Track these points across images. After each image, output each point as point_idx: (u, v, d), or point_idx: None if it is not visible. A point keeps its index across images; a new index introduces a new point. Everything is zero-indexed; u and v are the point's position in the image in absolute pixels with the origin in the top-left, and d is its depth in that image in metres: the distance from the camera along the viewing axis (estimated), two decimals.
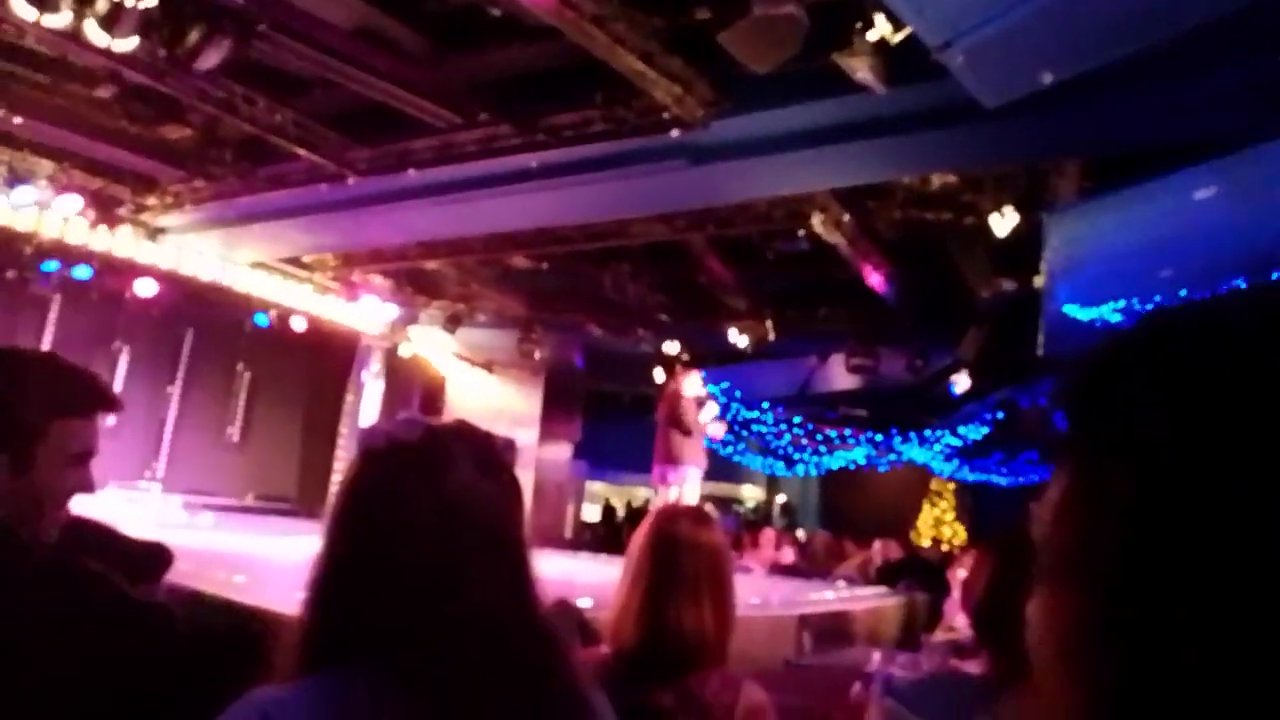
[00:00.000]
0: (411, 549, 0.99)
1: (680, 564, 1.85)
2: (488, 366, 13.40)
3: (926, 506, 16.95)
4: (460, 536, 1.01)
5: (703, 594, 1.83)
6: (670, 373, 12.40)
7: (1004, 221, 7.71)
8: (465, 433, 1.11)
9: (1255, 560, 0.36)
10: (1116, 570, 0.39)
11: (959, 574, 7.30)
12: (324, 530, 1.05)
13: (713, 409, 7.95)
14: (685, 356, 12.21)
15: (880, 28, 5.09)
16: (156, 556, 2.48)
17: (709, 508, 3.34)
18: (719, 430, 7.87)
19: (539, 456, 12.41)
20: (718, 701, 1.75)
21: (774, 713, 1.82)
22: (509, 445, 1.14)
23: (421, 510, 1.01)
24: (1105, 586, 0.40)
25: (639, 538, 1.95)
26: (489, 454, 1.09)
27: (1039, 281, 8.05)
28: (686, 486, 7.40)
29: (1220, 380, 0.39)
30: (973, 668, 1.79)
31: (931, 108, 5.76)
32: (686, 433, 7.50)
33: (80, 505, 1.98)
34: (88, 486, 1.42)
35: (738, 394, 12.94)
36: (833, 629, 5.79)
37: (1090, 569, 0.41)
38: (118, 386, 10.92)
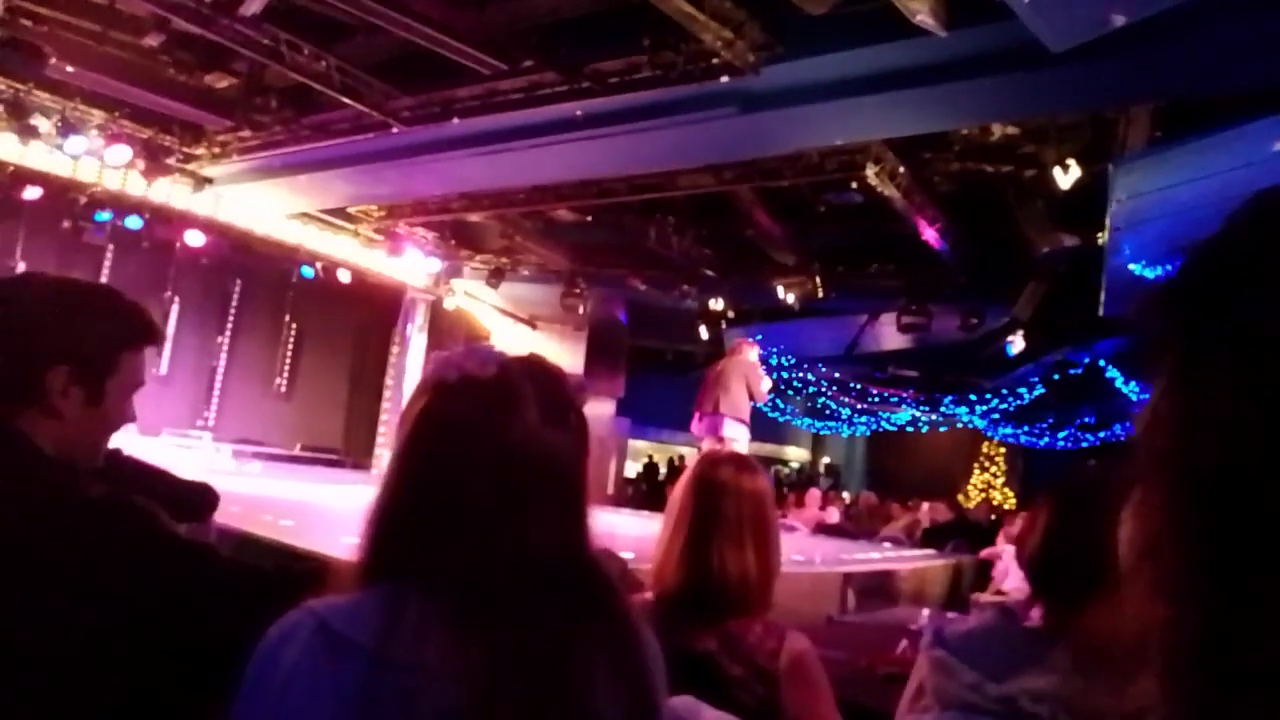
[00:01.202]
0: (470, 488, 0.99)
1: (722, 508, 1.83)
2: (531, 322, 13.40)
3: (976, 470, 16.67)
4: (521, 482, 1.00)
5: (745, 538, 1.80)
6: (716, 329, 12.28)
7: (1067, 175, 7.43)
8: (537, 372, 1.07)
9: None
10: (1211, 470, 0.37)
11: (1005, 544, 7.19)
12: (391, 454, 1.06)
13: (767, 383, 8.00)
14: (730, 313, 12.06)
15: None
16: (202, 496, 2.54)
17: None
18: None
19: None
20: (761, 647, 1.71)
21: (819, 662, 1.76)
22: (580, 385, 1.11)
23: (485, 452, 1.00)
24: (1197, 488, 0.37)
25: (682, 482, 1.94)
26: (559, 397, 1.06)
27: (1102, 237, 7.74)
28: (736, 446, 7.36)
29: None
30: None
31: (994, 52, 5.54)
32: (751, 399, 7.58)
33: (134, 449, 1.99)
34: (133, 416, 1.46)
35: (783, 351, 12.78)
36: (878, 588, 5.70)
37: (1184, 469, 0.38)
38: (169, 336, 11.14)
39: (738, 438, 7.39)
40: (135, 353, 1.42)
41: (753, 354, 7.89)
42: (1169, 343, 0.41)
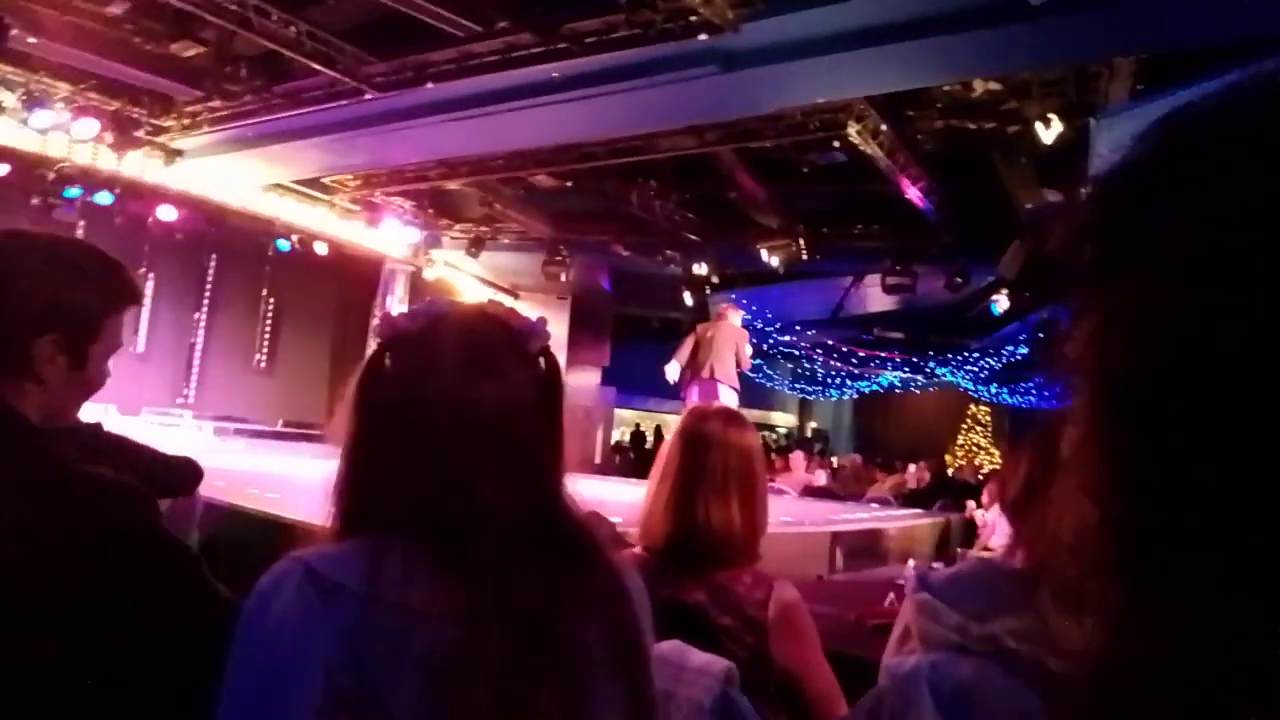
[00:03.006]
0: (406, 442, 0.99)
1: (709, 461, 1.84)
2: (513, 292, 13.30)
3: (963, 431, 16.75)
4: (450, 436, 0.98)
5: (730, 491, 1.82)
6: (700, 295, 12.23)
7: (1049, 130, 7.38)
8: (472, 324, 1.06)
9: (1257, 378, 0.35)
10: (1122, 374, 0.39)
11: (990, 502, 7.23)
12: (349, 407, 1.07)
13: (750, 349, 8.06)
14: (715, 278, 12.00)
15: None
16: (187, 471, 2.56)
17: None
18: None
19: (566, 382, 12.34)
20: (750, 597, 1.72)
21: (807, 612, 1.76)
22: (530, 331, 1.06)
23: (409, 406, 1.00)
24: (1112, 392, 0.40)
25: (671, 437, 1.96)
26: (494, 347, 1.03)
27: (1085, 193, 7.71)
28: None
29: (1230, 176, 0.36)
30: None
31: (974, 6, 5.50)
32: (739, 365, 7.64)
33: (114, 425, 1.95)
34: (107, 374, 1.43)
35: (769, 316, 12.74)
36: (866, 547, 5.71)
37: (1099, 376, 0.41)
38: (145, 313, 10.99)
39: (730, 404, 7.40)
40: (119, 316, 1.39)
41: (737, 319, 7.90)
42: (1080, 263, 0.44)
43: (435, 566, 0.94)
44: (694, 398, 7.63)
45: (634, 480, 8.60)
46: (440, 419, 0.98)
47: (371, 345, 1.12)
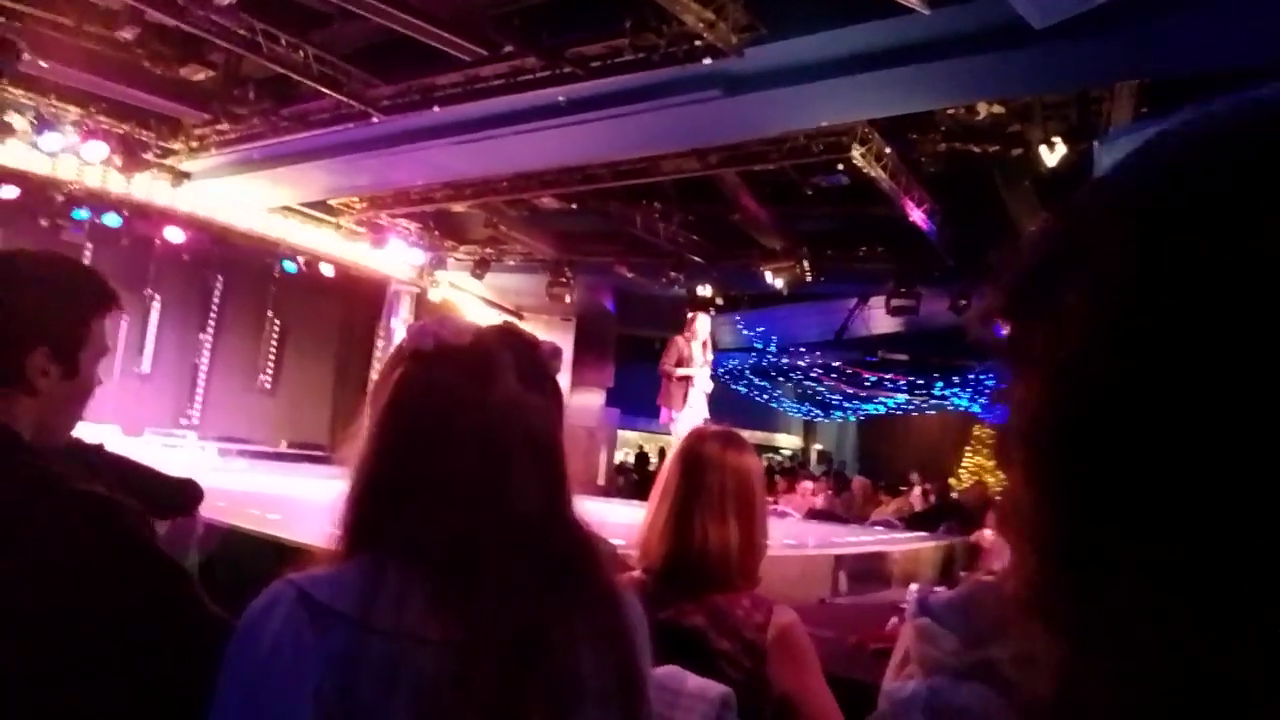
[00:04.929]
0: (453, 455, 0.98)
1: (706, 482, 1.84)
2: (517, 313, 13.33)
3: (968, 453, 16.67)
4: (501, 446, 0.99)
5: (728, 512, 1.81)
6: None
7: (1053, 153, 7.41)
8: (512, 339, 1.08)
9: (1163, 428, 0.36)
10: (1050, 435, 0.41)
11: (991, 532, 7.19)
12: (368, 424, 1.04)
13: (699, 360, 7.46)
14: (719, 300, 12.01)
15: None
16: (186, 491, 2.55)
17: None
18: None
19: (570, 404, 12.32)
20: (748, 621, 1.72)
21: (806, 636, 1.75)
22: (554, 352, 1.11)
23: (464, 418, 0.99)
24: (1041, 451, 0.42)
25: (670, 458, 1.97)
26: (535, 362, 1.06)
27: None
28: (674, 428, 7.21)
29: (1131, 253, 0.38)
30: None
31: (978, 30, 5.52)
32: (668, 377, 7.25)
33: (117, 446, 1.95)
34: (98, 380, 1.44)
35: (774, 338, 12.74)
36: (869, 570, 5.68)
37: (1027, 443, 0.42)
38: (151, 333, 11.04)
39: (675, 431, 7.12)
40: (103, 320, 1.40)
41: (699, 325, 7.53)
42: (1001, 341, 0.46)
43: (431, 591, 0.94)
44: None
45: (637, 502, 8.56)
46: (496, 426, 0.99)
47: (378, 364, 1.11)
